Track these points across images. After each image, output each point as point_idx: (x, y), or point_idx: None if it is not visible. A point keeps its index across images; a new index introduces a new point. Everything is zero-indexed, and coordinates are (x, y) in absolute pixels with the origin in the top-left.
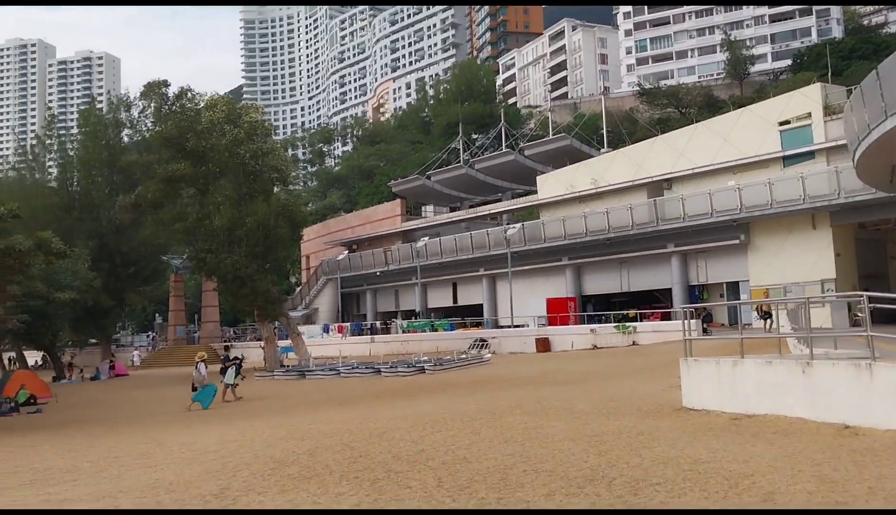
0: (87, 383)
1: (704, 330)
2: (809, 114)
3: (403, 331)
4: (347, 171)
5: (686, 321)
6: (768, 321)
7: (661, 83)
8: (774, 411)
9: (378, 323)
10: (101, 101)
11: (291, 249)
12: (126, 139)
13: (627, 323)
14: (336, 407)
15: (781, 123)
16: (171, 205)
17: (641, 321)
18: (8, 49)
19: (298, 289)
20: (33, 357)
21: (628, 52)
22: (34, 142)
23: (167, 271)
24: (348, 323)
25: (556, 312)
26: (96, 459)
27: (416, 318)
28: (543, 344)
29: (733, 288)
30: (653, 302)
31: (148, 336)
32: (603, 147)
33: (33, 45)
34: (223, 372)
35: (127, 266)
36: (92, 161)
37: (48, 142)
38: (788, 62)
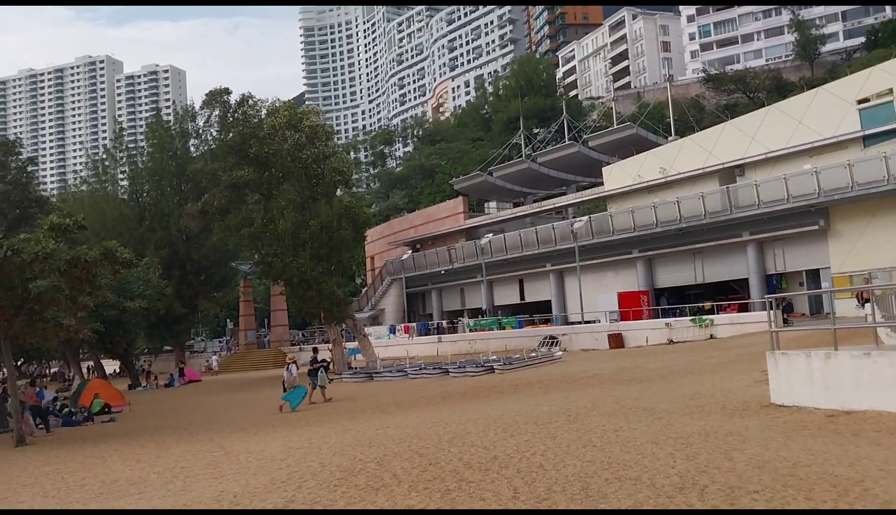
0: (161, 390)
1: (785, 321)
2: (891, 90)
3: (470, 330)
4: (409, 172)
5: (772, 311)
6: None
7: (727, 68)
8: (876, 407)
9: (444, 322)
10: (168, 113)
11: (355, 250)
12: (193, 149)
13: (704, 316)
14: (404, 410)
15: (860, 101)
16: (236, 212)
17: (718, 313)
18: (78, 66)
19: (364, 291)
20: (112, 365)
21: (691, 38)
22: (104, 155)
23: (237, 277)
24: (414, 324)
25: (629, 306)
26: (163, 470)
27: (482, 316)
28: (616, 340)
29: (813, 276)
30: (729, 294)
31: (220, 341)
32: (670, 135)
33: (101, 62)
34: (311, 374)
35: (198, 273)
36: (161, 172)
37: (117, 154)
38: (862, 39)
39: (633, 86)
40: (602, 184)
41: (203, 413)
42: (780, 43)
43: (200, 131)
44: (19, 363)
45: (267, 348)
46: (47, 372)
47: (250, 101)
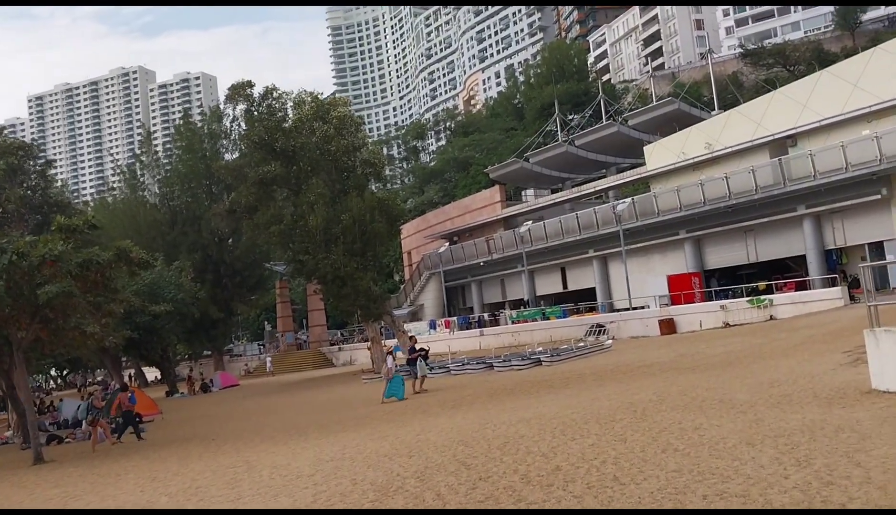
0: (198, 396)
1: (851, 297)
2: None
3: (513, 322)
4: (443, 165)
5: (866, 285)
6: None
7: (765, 43)
8: None
9: (486, 315)
10: (201, 118)
11: (390, 244)
12: (223, 149)
13: (762, 296)
14: (448, 411)
15: None
16: (265, 209)
17: (775, 292)
18: (111, 78)
19: (402, 287)
20: (154, 372)
21: (725, 14)
22: (133, 161)
23: (272, 278)
24: (455, 318)
25: (679, 290)
26: (176, 492)
27: (525, 308)
28: (668, 326)
29: (877, 249)
30: (784, 272)
31: (259, 345)
32: (713, 110)
33: (135, 73)
34: (410, 363)
35: (232, 275)
36: (190, 174)
37: (145, 159)
38: None
39: (666, 67)
40: (644, 164)
41: (236, 420)
42: (819, 14)
43: (228, 130)
44: (64, 372)
45: (306, 349)
46: (91, 381)
47: (275, 94)
